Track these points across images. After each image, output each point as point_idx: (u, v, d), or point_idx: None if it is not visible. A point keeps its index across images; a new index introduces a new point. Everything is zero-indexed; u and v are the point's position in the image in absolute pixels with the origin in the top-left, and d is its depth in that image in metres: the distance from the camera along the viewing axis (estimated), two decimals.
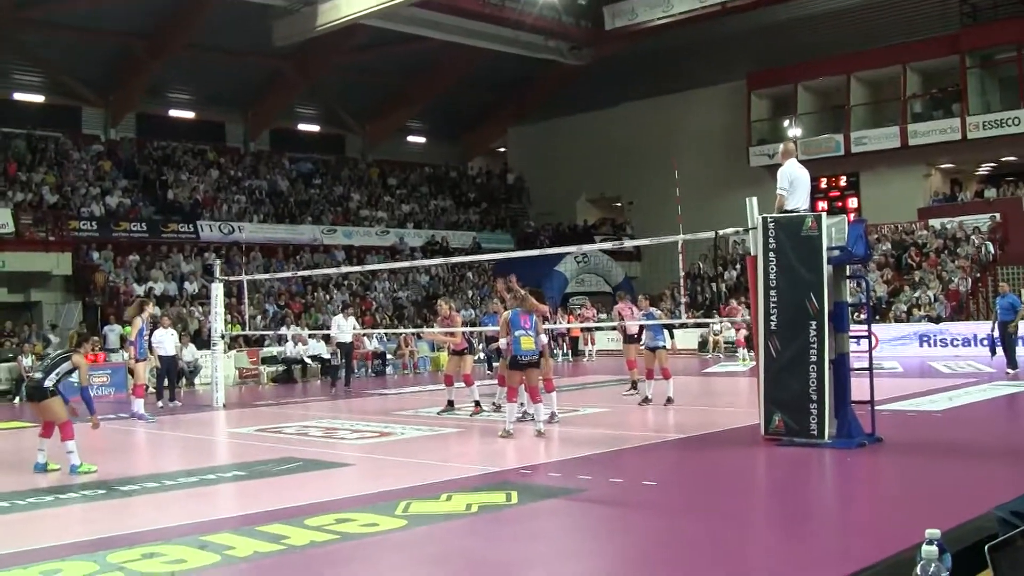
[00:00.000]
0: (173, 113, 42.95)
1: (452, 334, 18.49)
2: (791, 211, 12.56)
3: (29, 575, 7.11)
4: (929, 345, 30.64)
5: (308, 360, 29.82)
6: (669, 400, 17.87)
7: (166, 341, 22.11)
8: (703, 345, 35.46)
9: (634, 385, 20.21)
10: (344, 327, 25.10)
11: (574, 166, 48.70)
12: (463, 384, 17.91)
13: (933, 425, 14.46)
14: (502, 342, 14.71)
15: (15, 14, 34.10)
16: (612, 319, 23.52)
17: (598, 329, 36.19)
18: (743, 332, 29.70)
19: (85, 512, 9.72)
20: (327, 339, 28.24)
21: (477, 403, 17.38)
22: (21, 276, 31.61)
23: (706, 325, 34.43)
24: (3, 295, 31.73)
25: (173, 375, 22.67)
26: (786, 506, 9.29)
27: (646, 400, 18.21)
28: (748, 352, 28.31)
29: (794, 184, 12.74)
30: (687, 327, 34.51)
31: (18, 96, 38.69)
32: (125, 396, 25.39)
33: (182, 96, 42.94)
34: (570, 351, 35.86)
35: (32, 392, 12.56)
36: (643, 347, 18.93)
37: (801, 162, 13.05)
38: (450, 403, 18.01)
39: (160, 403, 21.68)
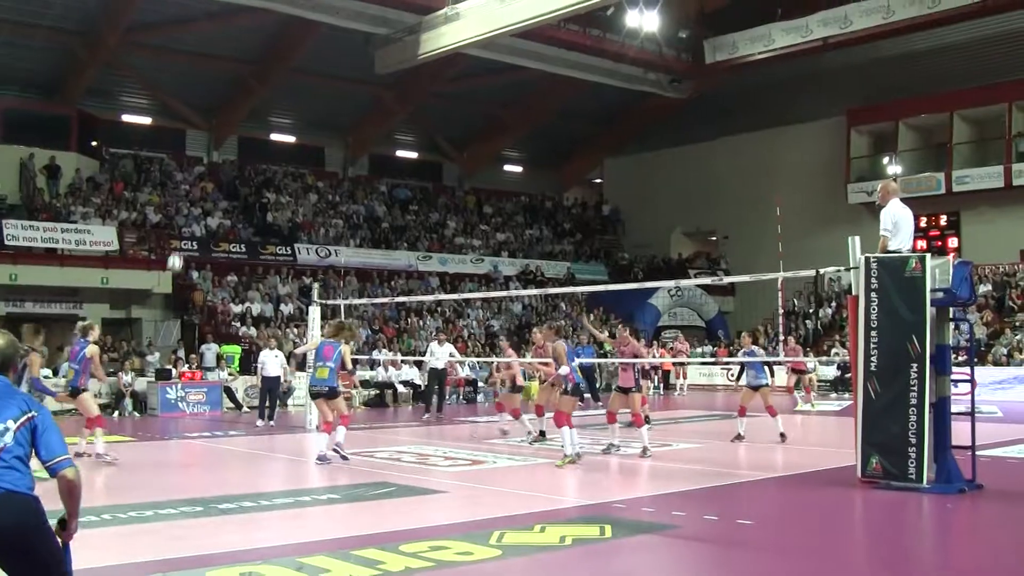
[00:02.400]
0: (274, 137, 43.72)
1: (546, 363, 18.45)
2: (893, 251, 12.37)
3: None
4: None
5: (400, 385, 30.00)
6: (783, 436, 17.66)
7: (269, 362, 22.59)
8: (798, 383, 34.95)
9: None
10: (438, 353, 25.20)
11: (670, 199, 48.53)
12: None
13: None
14: (563, 369, 15.05)
15: (127, 38, 34.94)
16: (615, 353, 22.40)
17: (691, 363, 36.00)
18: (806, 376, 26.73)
19: (184, 529, 9.84)
20: (419, 365, 28.39)
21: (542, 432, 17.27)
22: (123, 293, 32.26)
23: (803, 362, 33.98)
24: (105, 311, 32.38)
25: (275, 396, 23.05)
26: (886, 551, 9.12)
27: (739, 437, 18.01)
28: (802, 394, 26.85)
29: (898, 225, 12.50)
30: (782, 364, 34.13)
31: (126, 118, 39.67)
32: (220, 414, 25.87)
33: (283, 120, 43.67)
34: (662, 384, 35.62)
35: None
36: (744, 385, 18.78)
37: (901, 200, 12.85)
38: (542, 433, 18.01)
39: (259, 423, 22.11)
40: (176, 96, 39.25)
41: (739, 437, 18.01)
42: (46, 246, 30.67)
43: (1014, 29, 37.33)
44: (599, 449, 16.44)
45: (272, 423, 22.23)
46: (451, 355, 26.20)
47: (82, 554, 5.22)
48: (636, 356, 17.01)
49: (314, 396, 15.68)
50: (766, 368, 18.80)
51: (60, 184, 34.29)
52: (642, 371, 18.20)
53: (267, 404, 22.66)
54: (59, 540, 5.09)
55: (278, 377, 23.06)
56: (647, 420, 17.36)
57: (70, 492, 5.07)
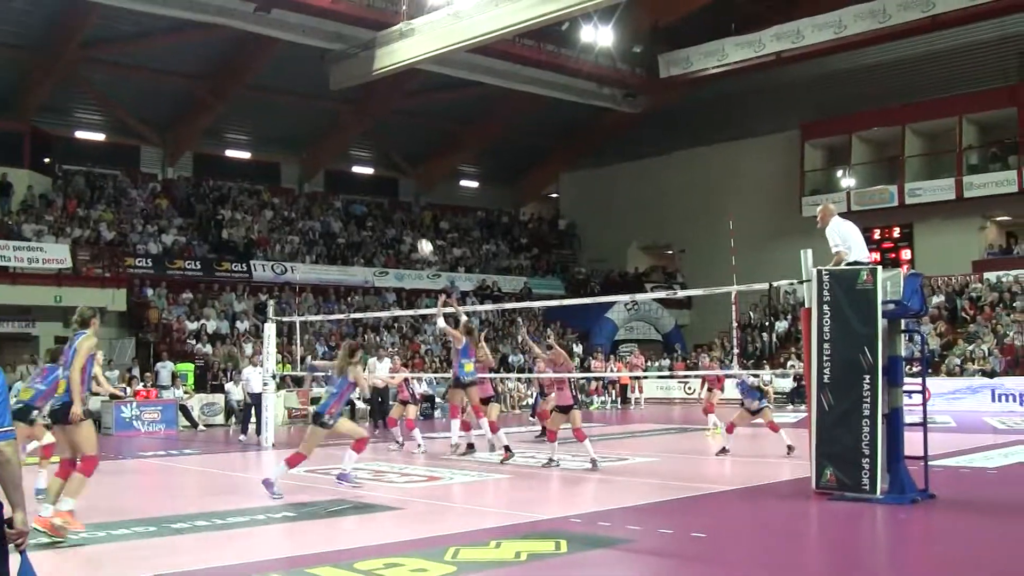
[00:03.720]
0: (229, 153, 43.56)
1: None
2: (854, 263, 12.45)
3: None
4: (983, 400, 30.18)
5: (356, 402, 29.76)
6: (790, 448, 17.58)
7: (253, 379, 22.71)
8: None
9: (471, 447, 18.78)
10: (378, 369, 25.08)
11: (626, 213, 48.69)
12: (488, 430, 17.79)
13: (988, 482, 14.28)
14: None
15: (82, 54, 34.76)
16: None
17: (646, 377, 36.10)
18: (716, 394, 23.32)
19: (135, 550, 9.73)
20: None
21: (507, 448, 17.21)
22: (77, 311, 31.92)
23: (756, 375, 34.06)
24: (59, 329, 32.01)
25: (259, 411, 22.81)
26: (839, 563, 9.18)
27: (724, 451, 18.04)
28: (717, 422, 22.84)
29: (846, 238, 12.60)
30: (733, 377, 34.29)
31: (80, 134, 39.38)
32: (176, 433, 25.68)
33: (239, 137, 43.52)
34: (619, 398, 35.72)
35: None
36: (744, 408, 18.84)
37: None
38: (470, 446, 18.17)
39: (242, 437, 22.46)
40: (130, 112, 39.00)
41: (724, 451, 18.08)
42: None
43: (964, 43, 37.85)
44: (539, 463, 16.53)
45: (259, 437, 21.99)
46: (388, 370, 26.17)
47: None
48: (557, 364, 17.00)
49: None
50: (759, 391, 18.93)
51: (12, 201, 34.00)
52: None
53: (252, 420, 22.98)
54: (11, 546, 4.75)
55: (260, 394, 22.96)
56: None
57: (5, 469, 4.71)
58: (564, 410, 16.42)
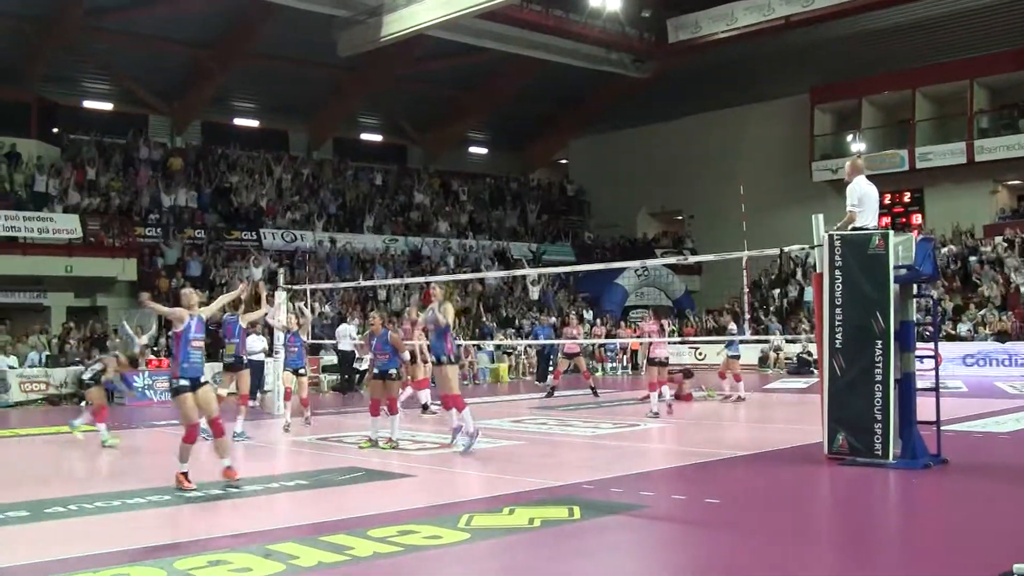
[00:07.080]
0: (237, 121, 43.44)
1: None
2: (860, 228, 12.41)
3: None
4: (995, 364, 30.10)
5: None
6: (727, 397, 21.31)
7: (256, 346, 22.62)
8: (763, 361, 35.16)
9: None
10: (345, 334, 25.07)
11: (635, 179, 48.56)
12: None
13: (1000, 447, 14.26)
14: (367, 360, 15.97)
15: (88, 22, 34.59)
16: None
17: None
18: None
19: (151, 518, 9.79)
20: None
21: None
22: (88, 281, 31.99)
23: (767, 341, 34.09)
24: (70, 300, 32.11)
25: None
26: (852, 528, 9.17)
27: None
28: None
29: (863, 201, 12.53)
30: (748, 343, 34.34)
31: (88, 104, 39.28)
32: None
33: (246, 105, 43.36)
34: (630, 364, 35.71)
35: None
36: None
37: (867, 178, 12.88)
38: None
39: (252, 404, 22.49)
40: (137, 81, 38.88)
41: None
42: (8, 235, 30.36)
43: (973, 6, 37.57)
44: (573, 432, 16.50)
45: (255, 402, 22.16)
46: (350, 336, 26.30)
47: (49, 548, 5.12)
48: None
49: None
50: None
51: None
52: None
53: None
54: None
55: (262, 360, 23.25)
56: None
57: None
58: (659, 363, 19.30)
